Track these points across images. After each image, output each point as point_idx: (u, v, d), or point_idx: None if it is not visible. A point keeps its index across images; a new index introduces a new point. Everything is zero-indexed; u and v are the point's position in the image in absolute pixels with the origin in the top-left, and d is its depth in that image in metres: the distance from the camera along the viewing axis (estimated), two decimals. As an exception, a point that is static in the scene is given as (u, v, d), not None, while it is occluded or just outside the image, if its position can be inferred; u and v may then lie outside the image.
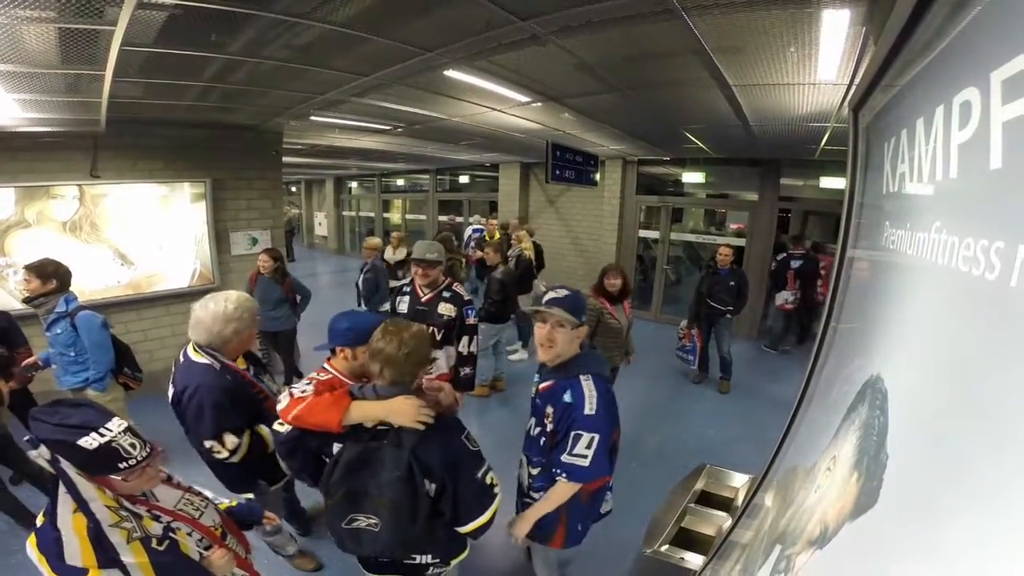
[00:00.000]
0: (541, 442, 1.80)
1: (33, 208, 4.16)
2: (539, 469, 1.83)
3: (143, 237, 4.77)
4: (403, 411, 1.45)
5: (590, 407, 1.65)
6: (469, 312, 2.95)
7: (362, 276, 5.34)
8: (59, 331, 2.93)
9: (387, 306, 4.60)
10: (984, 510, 0.49)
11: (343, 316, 1.85)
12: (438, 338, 2.85)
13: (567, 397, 1.69)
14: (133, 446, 1.23)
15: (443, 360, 2.89)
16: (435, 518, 1.50)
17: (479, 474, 1.51)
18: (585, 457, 1.64)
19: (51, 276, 2.92)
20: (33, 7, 1.81)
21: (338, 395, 1.52)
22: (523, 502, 1.93)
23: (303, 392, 1.55)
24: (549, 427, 1.75)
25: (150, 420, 3.94)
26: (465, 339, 2.95)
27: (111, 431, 1.20)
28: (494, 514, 1.55)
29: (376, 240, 5.63)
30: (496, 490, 1.56)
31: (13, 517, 2.85)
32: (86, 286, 4.36)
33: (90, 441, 1.16)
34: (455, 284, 3.00)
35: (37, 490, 2.97)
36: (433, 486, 1.47)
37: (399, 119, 4.87)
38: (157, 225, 4.82)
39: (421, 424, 1.43)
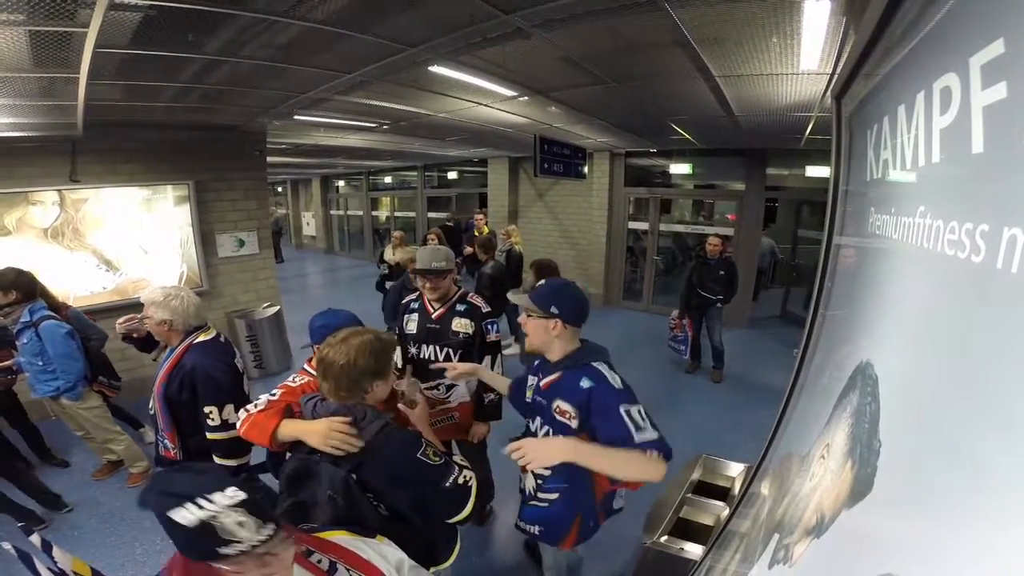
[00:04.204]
0: None
1: (12, 215, 4.07)
2: (550, 471, 1.71)
3: (127, 242, 4.69)
4: (314, 433, 1.37)
5: (615, 382, 1.58)
6: (490, 327, 2.47)
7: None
8: (25, 341, 2.91)
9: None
10: (978, 494, 0.49)
11: (320, 314, 1.92)
12: (455, 359, 2.41)
13: (584, 383, 1.59)
14: (242, 525, 0.91)
15: (463, 386, 2.48)
16: (398, 526, 1.39)
17: (446, 484, 1.40)
18: (649, 428, 1.47)
19: (11, 287, 2.88)
20: (1, 10, 1.76)
21: (271, 413, 1.52)
22: (530, 507, 1.84)
23: (256, 406, 1.58)
24: (574, 424, 1.60)
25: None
26: (487, 359, 2.47)
27: (214, 503, 0.89)
28: (474, 505, 1.47)
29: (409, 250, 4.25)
30: (470, 483, 1.46)
31: (11, 516, 2.83)
32: (72, 293, 4.31)
33: (185, 515, 0.87)
34: (471, 295, 2.55)
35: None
36: (382, 505, 1.38)
37: (384, 116, 4.82)
38: (141, 229, 4.74)
39: (332, 449, 1.34)
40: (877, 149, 1.12)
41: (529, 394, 1.80)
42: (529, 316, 1.68)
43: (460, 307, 2.47)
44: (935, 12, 0.77)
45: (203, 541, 0.87)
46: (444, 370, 2.11)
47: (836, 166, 1.67)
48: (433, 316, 2.47)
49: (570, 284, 1.76)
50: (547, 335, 1.66)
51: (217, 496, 0.90)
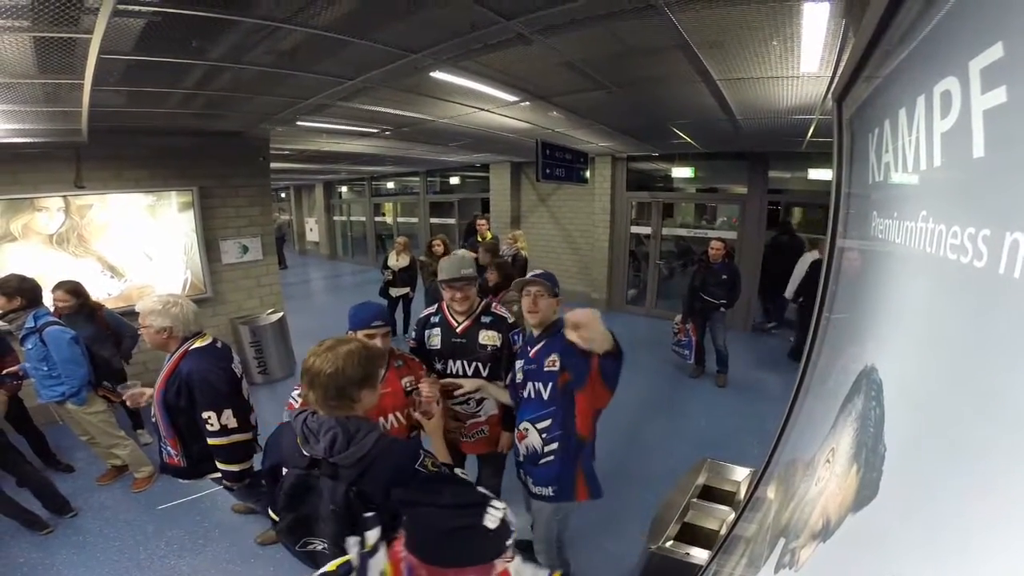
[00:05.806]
0: (545, 395, 1.93)
1: (18, 221, 4.11)
2: (549, 420, 1.93)
3: (132, 248, 4.73)
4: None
5: None
6: (516, 338, 2.33)
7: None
8: (30, 346, 2.93)
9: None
10: (983, 498, 0.49)
11: (356, 305, 2.07)
12: (484, 373, 2.31)
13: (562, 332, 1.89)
14: (513, 516, 0.98)
15: (493, 400, 2.38)
16: None
17: None
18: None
19: (15, 293, 2.91)
20: (5, 16, 1.78)
21: None
22: (541, 468, 1.98)
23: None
24: (557, 367, 1.89)
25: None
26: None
27: (495, 501, 0.95)
28: None
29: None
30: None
31: (18, 521, 2.85)
32: (75, 300, 4.33)
33: (491, 519, 0.94)
34: (494, 305, 2.42)
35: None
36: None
37: (386, 122, 4.85)
38: (146, 235, 4.78)
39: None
40: (878, 152, 1.11)
41: (520, 376, 2.03)
42: (540, 296, 1.97)
43: (485, 319, 2.34)
44: (934, 14, 0.76)
45: (499, 537, 0.96)
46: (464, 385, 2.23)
47: (838, 169, 1.67)
48: (457, 330, 2.32)
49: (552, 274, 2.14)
50: (552, 310, 2.00)
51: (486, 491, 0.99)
